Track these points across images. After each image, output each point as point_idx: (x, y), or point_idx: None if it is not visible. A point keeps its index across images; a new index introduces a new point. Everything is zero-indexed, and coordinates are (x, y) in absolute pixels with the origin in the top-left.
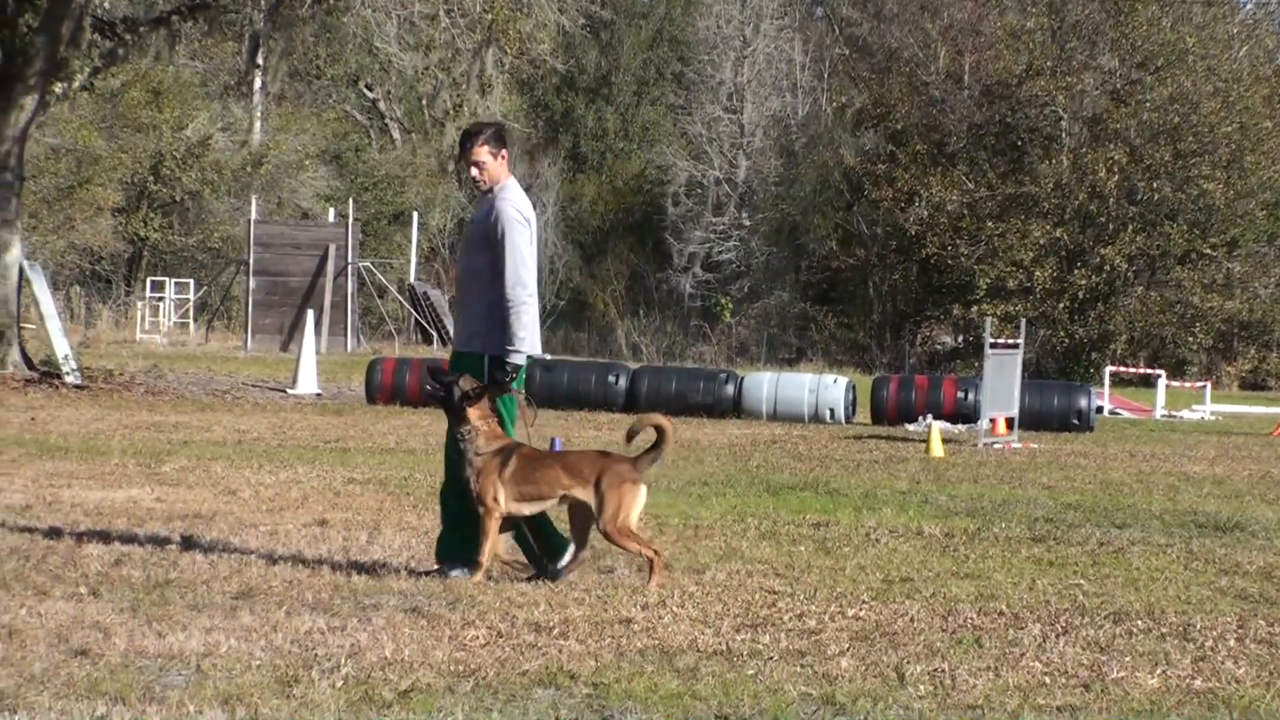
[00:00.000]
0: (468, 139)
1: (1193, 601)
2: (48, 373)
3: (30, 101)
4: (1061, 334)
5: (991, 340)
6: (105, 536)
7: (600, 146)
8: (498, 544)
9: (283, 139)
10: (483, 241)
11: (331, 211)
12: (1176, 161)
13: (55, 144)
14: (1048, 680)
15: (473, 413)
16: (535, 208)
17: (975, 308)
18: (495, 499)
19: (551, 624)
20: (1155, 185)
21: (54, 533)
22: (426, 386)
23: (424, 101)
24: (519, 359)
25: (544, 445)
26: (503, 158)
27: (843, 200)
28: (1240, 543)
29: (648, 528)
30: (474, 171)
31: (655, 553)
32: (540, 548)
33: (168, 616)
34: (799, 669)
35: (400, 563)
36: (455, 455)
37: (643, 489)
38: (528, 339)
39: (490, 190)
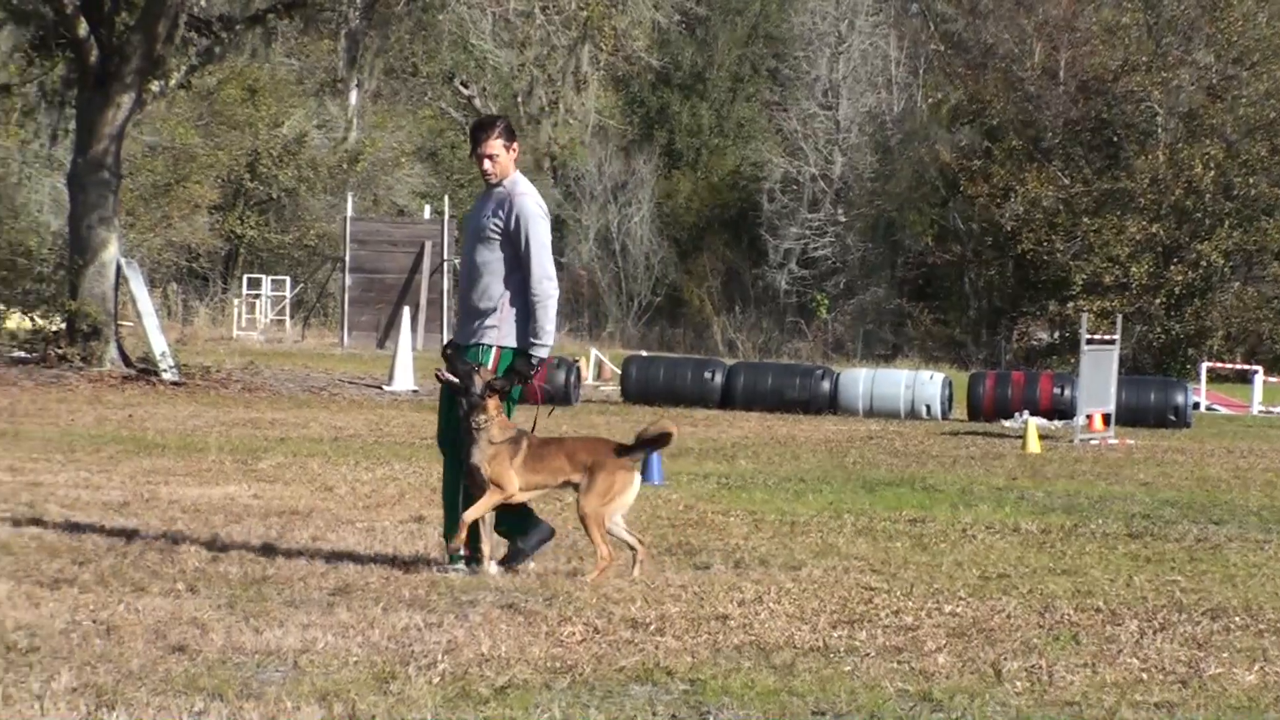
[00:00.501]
0: (481, 131)
1: None
2: (145, 370)
3: (127, 99)
4: (1158, 330)
5: (1088, 336)
6: (202, 533)
7: (695, 143)
8: (487, 516)
9: (379, 136)
10: (497, 235)
11: (427, 208)
12: (1273, 157)
13: (152, 142)
14: (1145, 677)
15: (490, 402)
16: (631, 205)
17: (1071, 303)
18: (509, 484)
19: (648, 620)
20: (1252, 181)
21: (151, 529)
22: (441, 375)
23: (519, 98)
24: (544, 352)
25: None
26: (514, 151)
27: (938, 196)
28: None
29: (744, 523)
30: (486, 165)
31: (609, 558)
32: (510, 525)
33: (265, 613)
34: (895, 665)
35: (497, 559)
36: (462, 442)
37: (636, 477)
38: (552, 332)
39: (499, 184)
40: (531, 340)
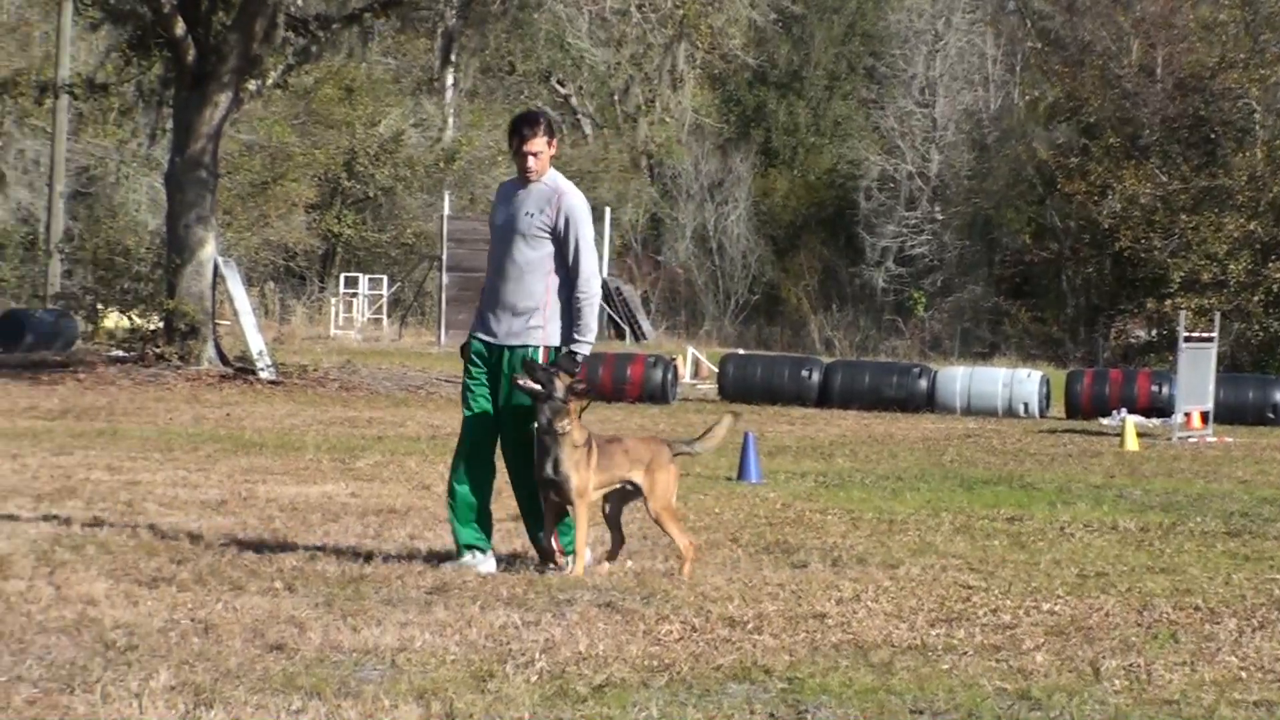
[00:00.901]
0: (527, 127)
1: None
2: (242, 369)
3: (224, 99)
4: (1256, 327)
5: (1186, 334)
6: (300, 532)
7: (792, 141)
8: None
9: (475, 135)
10: (544, 233)
11: None
12: None
13: (249, 141)
14: (1244, 675)
15: (572, 406)
16: (727, 203)
17: (1169, 301)
18: (589, 490)
19: (746, 619)
20: None
21: (249, 528)
22: (524, 384)
23: (616, 97)
24: (588, 349)
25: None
26: (553, 148)
27: (1035, 194)
28: None
29: (842, 521)
30: (530, 161)
31: (692, 544)
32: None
33: (362, 611)
34: (994, 664)
35: (595, 557)
36: (533, 450)
37: (674, 470)
38: (595, 329)
39: (539, 181)
40: (577, 337)
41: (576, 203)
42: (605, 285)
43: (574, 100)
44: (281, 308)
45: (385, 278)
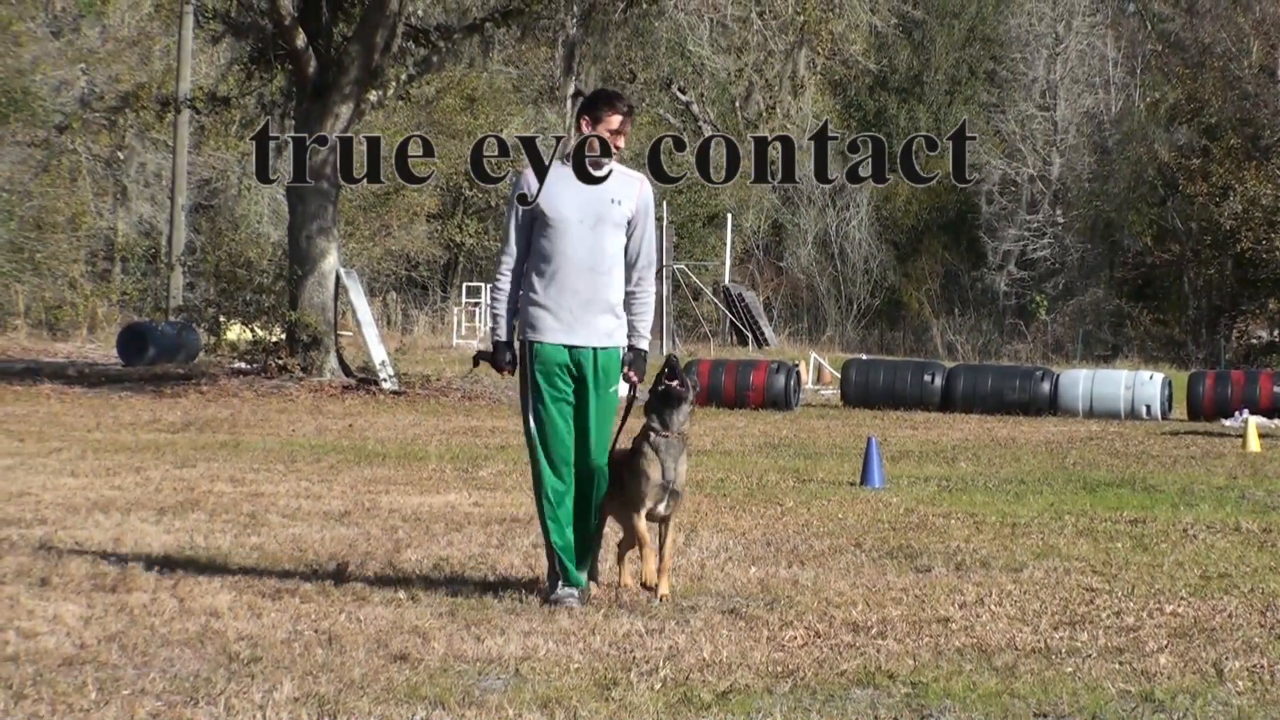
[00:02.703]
0: (619, 106)
1: None
2: (365, 379)
3: (345, 110)
4: None
5: None
6: (424, 542)
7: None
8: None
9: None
10: (624, 223)
11: None
12: None
13: None
14: None
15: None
16: (849, 208)
17: None
18: None
19: (869, 624)
20: None
21: (373, 538)
22: (674, 388)
23: (737, 104)
24: (647, 345)
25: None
26: None
27: (1157, 196)
28: None
29: (965, 525)
30: (619, 142)
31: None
32: (579, 558)
33: (486, 620)
34: (1117, 666)
35: (717, 564)
36: (659, 456)
37: None
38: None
39: (610, 168)
40: (645, 335)
41: (651, 193)
42: (727, 291)
43: (695, 107)
44: (404, 318)
45: None
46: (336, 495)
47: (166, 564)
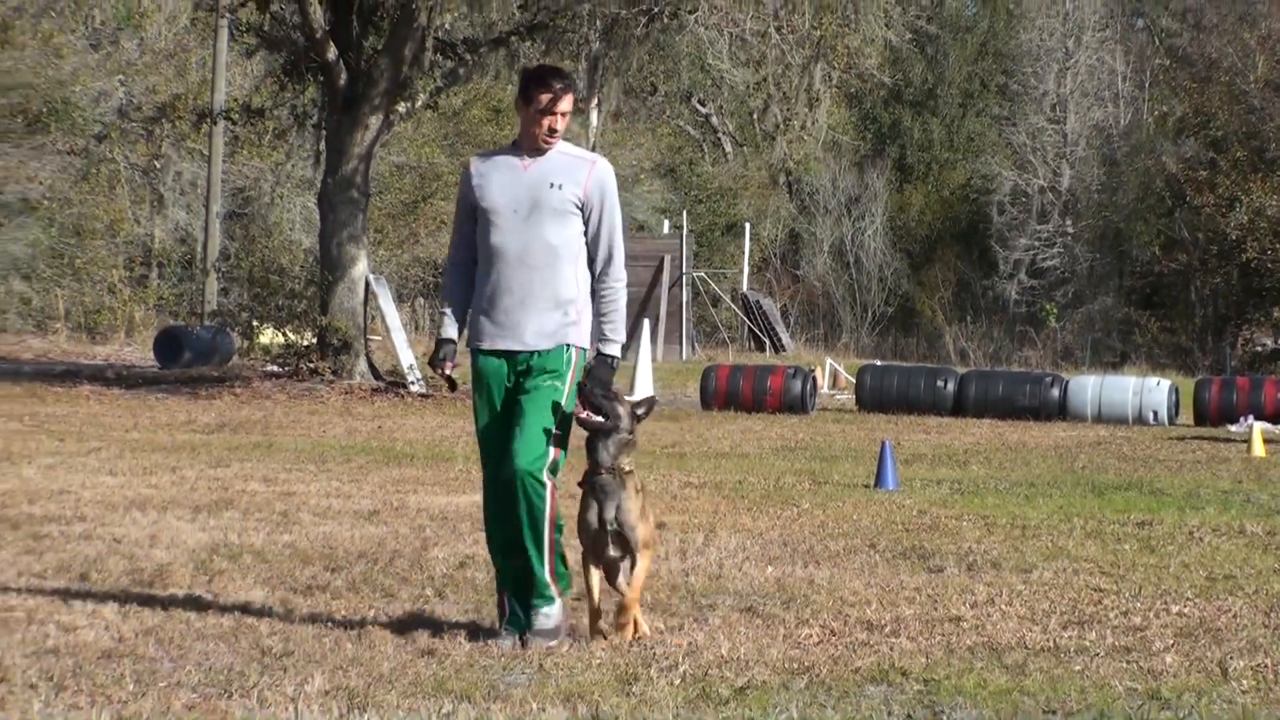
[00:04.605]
0: (558, 79)
1: None
2: (393, 382)
3: (375, 121)
4: None
5: None
6: (450, 540)
7: (926, 157)
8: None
9: (619, 154)
10: (574, 209)
11: (666, 224)
12: None
13: (399, 161)
14: None
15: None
16: (864, 218)
17: None
18: (650, 537)
19: (883, 622)
20: None
21: (401, 537)
22: (587, 420)
23: (755, 116)
24: (619, 352)
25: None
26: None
27: (1164, 207)
28: None
29: (977, 527)
30: (558, 124)
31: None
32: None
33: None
34: (1124, 665)
35: (735, 564)
36: (592, 498)
37: None
38: (625, 327)
39: (553, 149)
40: (610, 337)
41: (610, 174)
42: (746, 298)
43: (714, 119)
44: (431, 323)
45: None
46: (366, 495)
47: (201, 560)
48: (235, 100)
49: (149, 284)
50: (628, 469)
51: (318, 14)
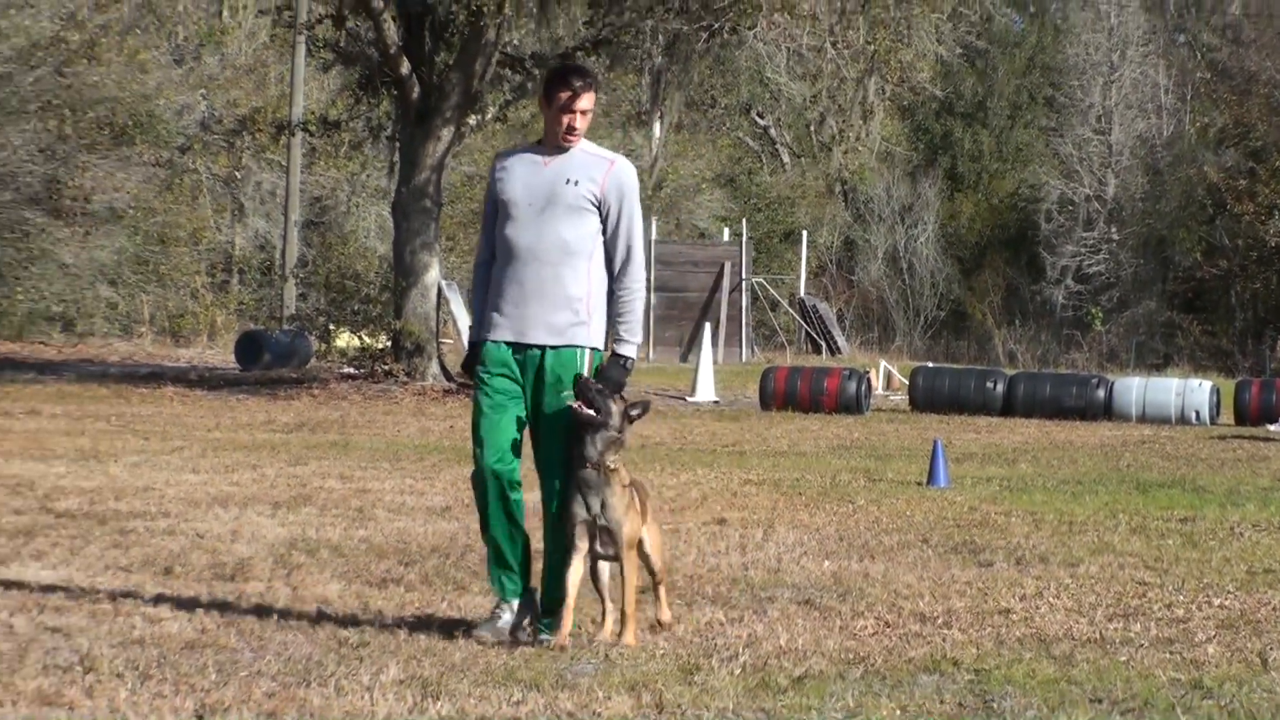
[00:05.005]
0: (580, 78)
1: None
2: (465, 384)
3: (447, 133)
4: None
5: None
6: None
7: (977, 167)
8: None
9: (680, 164)
10: (590, 206)
11: (726, 231)
12: None
13: (470, 171)
14: None
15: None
16: (917, 225)
17: None
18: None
19: (935, 614)
20: None
21: (472, 532)
22: (581, 413)
23: (811, 127)
24: (634, 353)
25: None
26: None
27: (1206, 214)
28: None
29: (1025, 523)
30: (578, 122)
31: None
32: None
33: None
34: (1168, 655)
35: (793, 558)
36: (578, 490)
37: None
38: (641, 327)
39: (573, 147)
40: (625, 337)
41: (630, 174)
42: (803, 303)
43: (772, 131)
44: None
45: None
46: (438, 491)
47: (281, 555)
48: (312, 113)
49: (230, 289)
50: (612, 466)
51: (391, 31)
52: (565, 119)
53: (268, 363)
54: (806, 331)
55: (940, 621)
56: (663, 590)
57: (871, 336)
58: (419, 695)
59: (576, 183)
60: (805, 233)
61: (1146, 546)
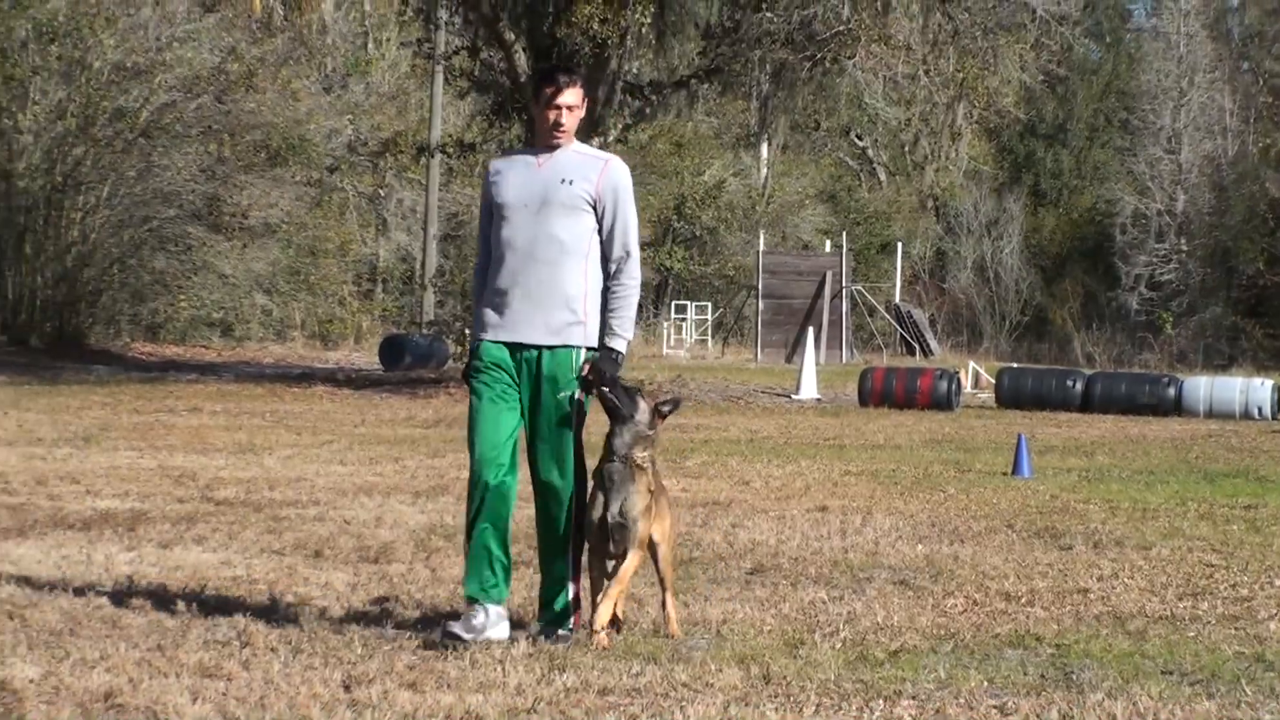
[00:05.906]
0: (564, 76)
1: None
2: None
3: None
4: None
5: None
6: None
7: (1057, 184)
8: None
9: (786, 182)
10: (586, 205)
11: (828, 243)
12: None
13: None
14: None
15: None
16: (1002, 238)
17: None
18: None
19: (1020, 594)
20: None
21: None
22: (607, 396)
23: (905, 148)
24: (625, 347)
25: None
26: (583, 109)
27: (1267, 227)
28: None
29: (1102, 510)
30: (564, 117)
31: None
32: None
33: (692, 589)
34: (1233, 631)
35: (889, 542)
36: (599, 487)
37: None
38: (634, 323)
39: (563, 145)
40: (617, 331)
41: (624, 173)
42: (898, 309)
43: (870, 151)
44: None
45: (709, 304)
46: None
47: (421, 539)
48: (450, 136)
49: (374, 297)
50: (640, 463)
51: (522, 61)
52: (551, 114)
53: (408, 364)
54: (901, 335)
55: (1024, 600)
56: (670, 600)
57: (961, 339)
58: (546, 667)
59: (571, 182)
60: (900, 244)
61: (1213, 531)
